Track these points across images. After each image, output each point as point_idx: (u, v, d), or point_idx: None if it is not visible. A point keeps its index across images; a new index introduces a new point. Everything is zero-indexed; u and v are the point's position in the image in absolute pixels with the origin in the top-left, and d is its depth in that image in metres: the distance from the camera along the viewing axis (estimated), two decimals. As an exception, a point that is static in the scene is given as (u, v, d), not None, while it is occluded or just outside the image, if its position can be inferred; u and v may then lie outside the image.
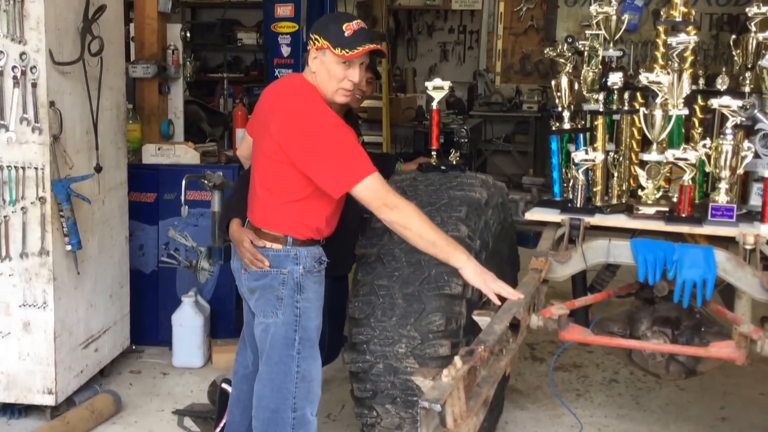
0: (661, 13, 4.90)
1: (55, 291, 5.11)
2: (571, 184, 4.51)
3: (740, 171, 4.27)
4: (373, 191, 3.79)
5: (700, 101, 4.75)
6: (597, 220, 4.44)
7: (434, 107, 4.89)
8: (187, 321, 6.18)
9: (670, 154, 4.23)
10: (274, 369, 4.07)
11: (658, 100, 4.31)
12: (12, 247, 5.06)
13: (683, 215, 4.25)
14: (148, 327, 6.48)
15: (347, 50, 3.89)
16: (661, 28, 4.81)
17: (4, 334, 5.14)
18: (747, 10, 4.71)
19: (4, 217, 5.02)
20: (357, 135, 4.91)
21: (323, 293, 4.13)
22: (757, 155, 4.30)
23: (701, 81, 4.79)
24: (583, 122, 4.81)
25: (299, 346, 4.03)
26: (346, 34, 3.90)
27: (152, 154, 6.45)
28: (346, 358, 4.22)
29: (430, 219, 4.04)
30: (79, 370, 5.46)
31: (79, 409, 5.28)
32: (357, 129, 5.03)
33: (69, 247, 5.14)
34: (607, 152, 4.55)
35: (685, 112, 4.52)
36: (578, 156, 4.40)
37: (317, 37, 3.95)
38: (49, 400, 5.21)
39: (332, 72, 3.94)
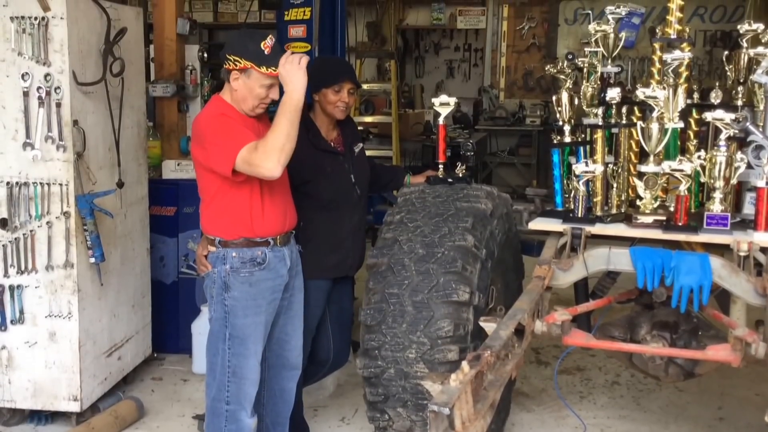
0: (657, 30, 4.92)
1: (79, 302, 5.13)
2: (572, 195, 4.52)
3: (734, 181, 4.27)
4: (248, 159, 3.85)
5: (694, 115, 4.76)
6: (597, 229, 4.44)
7: (441, 122, 4.90)
8: (206, 329, 6.06)
9: (667, 166, 4.24)
10: (212, 360, 4.27)
11: (655, 114, 4.31)
12: (38, 260, 5.09)
13: (680, 224, 4.25)
14: (169, 335, 6.49)
15: (274, 68, 3.96)
16: (657, 45, 4.82)
17: (31, 343, 5.16)
18: (738, 27, 4.72)
19: (31, 231, 5.05)
20: (355, 142, 4.96)
21: (261, 294, 4.20)
22: (749, 166, 4.29)
23: (696, 95, 4.79)
24: (583, 135, 4.81)
25: (229, 341, 4.19)
26: (266, 53, 3.97)
27: (172, 170, 6.48)
28: (359, 364, 4.23)
29: (438, 229, 4.10)
30: (103, 378, 5.48)
31: (103, 415, 5.30)
32: (357, 138, 5.05)
33: (92, 260, 5.17)
34: (606, 164, 4.55)
35: (681, 125, 4.52)
36: (579, 168, 4.41)
37: (237, 58, 4.00)
38: (74, 407, 5.22)
39: (255, 92, 4.04)
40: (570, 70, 4.81)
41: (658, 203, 4.44)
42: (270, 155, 3.81)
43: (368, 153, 5.29)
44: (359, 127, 9.51)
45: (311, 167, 4.33)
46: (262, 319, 4.22)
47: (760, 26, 4.66)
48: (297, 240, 4.44)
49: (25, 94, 4.91)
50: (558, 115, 4.74)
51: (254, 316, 4.18)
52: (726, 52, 5.01)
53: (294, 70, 3.90)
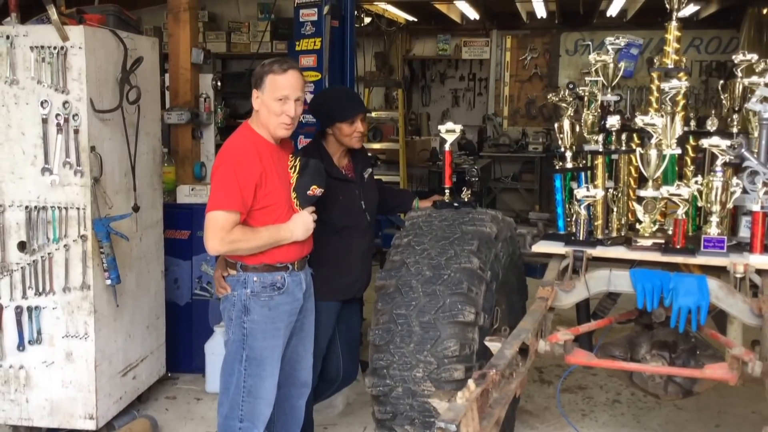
0: (655, 60, 4.94)
1: (95, 323, 5.14)
2: (574, 219, 4.53)
3: (730, 205, 4.28)
4: (213, 222, 4.02)
5: (691, 141, 4.79)
6: (598, 251, 4.45)
7: (447, 149, 4.92)
8: (219, 349, 6.09)
9: (665, 191, 4.25)
10: (227, 380, 4.26)
11: (653, 141, 4.33)
12: (56, 282, 5.10)
13: (678, 247, 4.26)
14: (183, 355, 6.50)
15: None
16: (654, 75, 4.85)
17: (48, 363, 5.17)
18: (733, 57, 4.75)
19: (48, 254, 5.07)
20: (365, 168, 4.97)
21: (279, 317, 4.22)
22: (745, 191, 4.31)
23: (692, 123, 4.82)
24: (584, 161, 4.83)
25: (246, 363, 4.19)
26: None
27: (186, 194, 6.50)
28: (368, 383, 4.23)
29: (444, 252, 4.11)
30: (118, 397, 5.48)
31: (118, 432, 5.30)
32: (367, 164, 5.08)
33: (108, 282, 5.18)
34: (606, 189, 4.57)
35: (678, 151, 4.53)
36: (580, 193, 4.42)
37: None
38: (90, 425, 5.22)
39: (271, 107, 4.12)
40: (571, 99, 4.82)
41: (656, 227, 4.45)
42: (225, 241, 4.03)
43: (376, 178, 5.29)
44: (368, 153, 9.54)
45: (325, 195, 4.35)
46: (280, 342, 4.24)
47: (754, 56, 4.69)
48: (309, 263, 4.46)
49: (44, 120, 4.94)
50: (560, 142, 4.76)
51: (272, 339, 4.20)
52: (721, 82, 5.02)
53: (303, 222, 4.20)
